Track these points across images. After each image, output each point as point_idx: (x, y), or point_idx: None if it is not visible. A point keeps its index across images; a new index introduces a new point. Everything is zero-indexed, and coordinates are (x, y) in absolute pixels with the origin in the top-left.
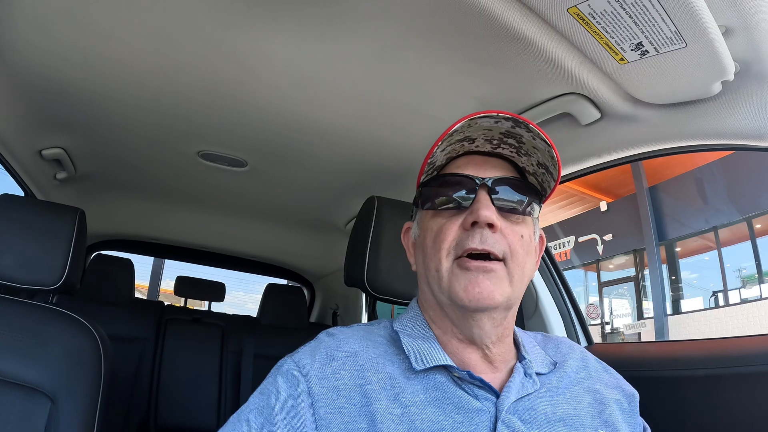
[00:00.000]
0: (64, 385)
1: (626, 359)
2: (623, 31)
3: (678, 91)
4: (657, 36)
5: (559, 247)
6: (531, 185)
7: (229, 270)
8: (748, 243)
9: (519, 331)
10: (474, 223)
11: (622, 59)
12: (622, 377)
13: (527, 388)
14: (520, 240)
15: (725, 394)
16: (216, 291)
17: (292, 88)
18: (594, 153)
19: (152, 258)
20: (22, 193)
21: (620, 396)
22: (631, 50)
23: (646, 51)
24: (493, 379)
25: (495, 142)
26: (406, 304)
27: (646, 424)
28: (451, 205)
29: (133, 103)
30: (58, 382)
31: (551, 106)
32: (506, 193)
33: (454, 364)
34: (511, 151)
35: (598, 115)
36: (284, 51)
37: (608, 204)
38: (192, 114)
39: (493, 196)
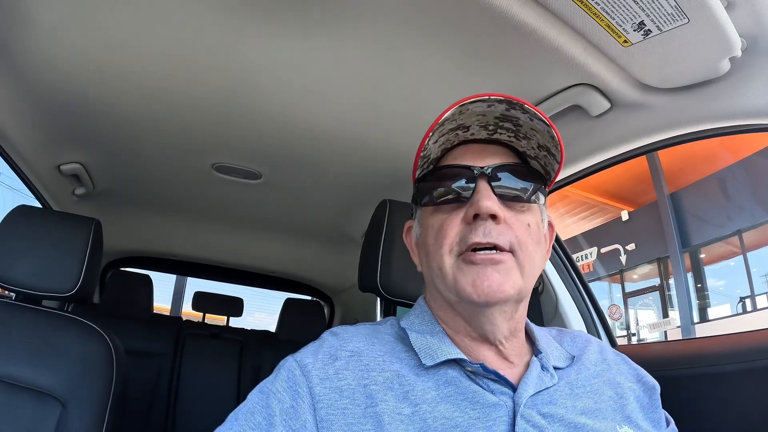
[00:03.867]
0: (75, 389)
1: (651, 359)
2: (623, 11)
3: (686, 72)
4: (658, 13)
5: (582, 259)
6: (534, 170)
7: (248, 287)
8: None
9: (533, 326)
10: (476, 216)
11: (625, 41)
12: (641, 368)
13: (545, 381)
14: (527, 229)
15: (759, 388)
16: (234, 306)
17: (301, 96)
18: (607, 145)
19: (174, 281)
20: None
21: (640, 390)
22: (634, 31)
23: (649, 30)
24: (510, 374)
25: (491, 127)
26: None
27: (669, 416)
28: (450, 197)
29: (147, 117)
30: (70, 387)
31: (560, 99)
32: (508, 181)
33: (465, 357)
34: (509, 136)
35: (608, 105)
36: (291, 58)
37: (629, 213)
38: (205, 126)
39: (494, 185)
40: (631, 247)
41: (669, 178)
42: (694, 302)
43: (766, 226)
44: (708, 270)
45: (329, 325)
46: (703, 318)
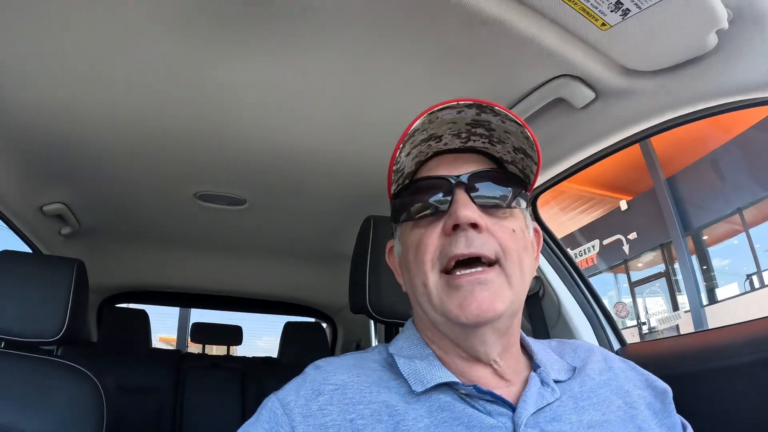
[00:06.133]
0: None
1: (663, 357)
2: None
3: (671, 50)
4: None
5: (586, 253)
6: (512, 174)
7: (247, 313)
8: None
9: (529, 339)
10: (456, 226)
11: (603, 24)
12: (650, 374)
13: (546, 397)
14: (511, 235)
15: None
16: (233, 335)
17: (276, 117)
18: (596, 137)
19: (178, 310)
20: (30, 252)
21: (651, 396)
22: (611, 12)
23: (628, 10)
24: (507, 393)
25: (463, 135)
26: None
27: (686, 421)
28: (428, 212)
29: (124, 150)
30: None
31: (542, 94)
32: (487, 188)
33: (458, 380)
34: (483, 142)
35: (593, 95)
36: (260, 78)
37: (628, 202)
38: (184, 155)
39: (472, 194)
40: (632, 236)
41: (664, 164)
42: (702, 284)
43: (766, 201)
44: (712, 251)
45: (332, 346)
46: (712, 300)
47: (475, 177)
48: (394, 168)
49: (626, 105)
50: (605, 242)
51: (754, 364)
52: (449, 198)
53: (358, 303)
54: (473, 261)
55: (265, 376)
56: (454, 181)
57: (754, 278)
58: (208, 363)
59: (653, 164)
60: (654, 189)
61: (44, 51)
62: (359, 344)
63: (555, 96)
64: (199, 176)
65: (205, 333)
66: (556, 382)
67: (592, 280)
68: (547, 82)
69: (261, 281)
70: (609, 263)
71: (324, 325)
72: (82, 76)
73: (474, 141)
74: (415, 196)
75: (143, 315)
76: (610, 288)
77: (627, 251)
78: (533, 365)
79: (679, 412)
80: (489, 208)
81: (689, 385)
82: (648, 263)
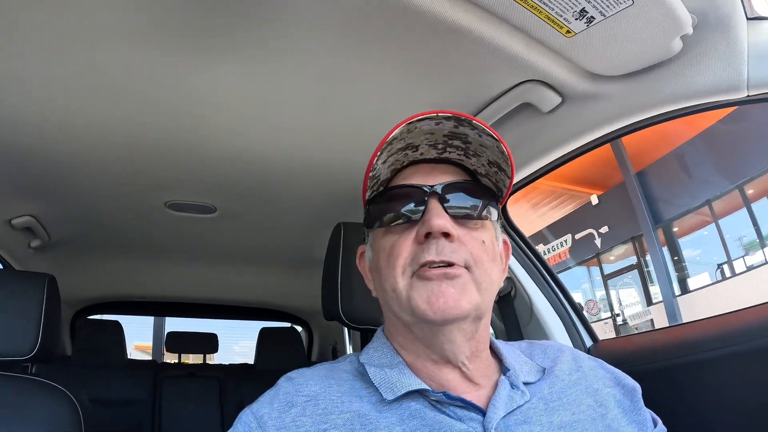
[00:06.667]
0: None
1: (635, 353)
2: (561, 0)
3: (636, 56)
4: None
5: (558, 247)
6: (485, 187)
7: (223, 320)
8: (744, 210)
9: (499, 342)
10: (428, 235)
11: (568, 32)
12: (619, 371)
13: (516, 400)
14: (481, 245)
15: (746, 371)
16: (209, 342)
17: (244, 124)
18: (563, 141)
19: (152, 321)
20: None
21: (620, 394)
22: (576, 19)
23: (592, 17)
24: (477, 396)
25: (440, 146)
26: None
27: (655, 415)
28: (401, 221)
29: (91, 160)
30: None
31: (509, 99)
32: (459, 199)
33: (428, 387)
34: (459, 154)
35: (559, 100)
36: (228, 86)
37: (599, 197)
38: (152, 165)
39: (445, 204)
40: (604, 229)
41: (633, 158)
42: (674, 275)
43: (734, 192)
44: (683, 242)
45: (308, 351)
46: (685, 290)
47: (449, 188)
48: (370, 174)
49: (593, 108)
50: (577, 236)
51: (726, 357)
52: (423, 207)
53: (331, 310)
54: (443, 266)
55: (243, 384)
56: (428, 191)
57: (725, 267)
58: (185, 372)
59: (623, 159)
60: (624, 183)
61: (7, 62)
62: (335, 348)
63: (522, 101)
64: (169, 186)
65: (179, 342)
66: (526, 384)
67: (565, 274)
68: (514, 87)
69: (235, 288)
70: (582, 257)
71: (300, 329)
72: (47, 86)
73: (450, 152)
74: (389, 203)
75: (117, 326)
76: (583, 281)
77: (599, 245)
78: (503, 368)
79: (652, 406)
80: (461, 218)
81: (662, 380)
82: (620, 256)
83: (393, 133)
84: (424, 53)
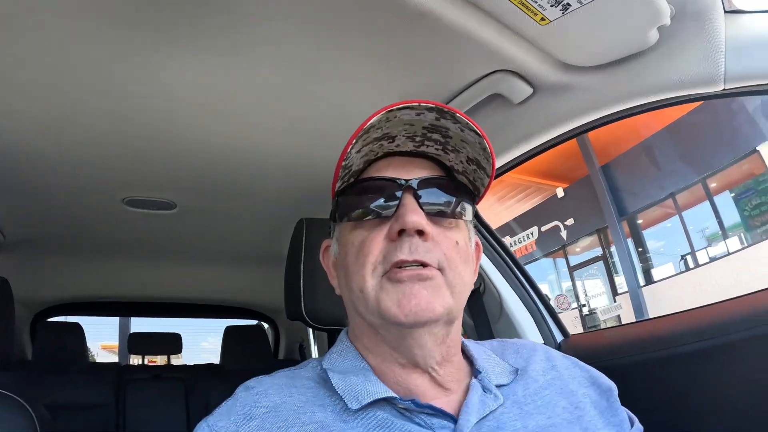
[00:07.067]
0: None
1: (606, 347)
2: None
3: (611, 46)
4: None
5: (525, 239)
6: (461, 184)
7: (188, 318)
8: (707, 203)
9: (469, 343)
10: (401, 232)
11: (543, 19)
12: (595, 370)
13: (489, 405)
14: (455, 247)
15: (715, 366)
16: (172, 343)
17: (206, 118)
18: (533, 133)
19: (117, 321)
20: None
21: (596, 395)
22: (551, 6)
23: (568, 4)
24: (447, 402)
25: (418, 139)
26: None
27: (632, 414)
28: (371, 216)
29: (44, 156)
30: None
31: (479, 89)
32: (435, 196)
33: (395, 395)
34: (437, 149)
35: (531, 91)
36: (191, 78)
37: (564, 189)
38: (108, 160)
39: (420, 200)
40: (570, 222)
41: (598, 151)
42: (638, 266)
43: (698, 186)
44: (647, 233)
45: (275, 349)
46: (649, 280)
47: (425, 183)
48: (342, 164)
49: (564, 100)
50: (543, 229)
51: (694, 353)
52: (396, 202)
53: (294, 310)
54: (415, 266)
55: (209, 385)
56: (403, 185)
57: (689, 258)
58: (149, 375)
59: (588, 152)
60: (589, 176)
61: None
62: (302, 345)
63: (492, 91)
64: (126, 181)
65: (143, 343)
66: (499, 386)
67: (532, 266)
68: (484, 77)
69: (199, 286)
70: (548, 249)
71: (266, 326)
72: None
73: (427, 146)
74: (361, 195)
75: (77, 328)
76: (550, 273)
77: (565, 237)
78: (474, 371)
79: (624, 401)
80: (435, 215)
81: (635, 374)
82: (586, 247)
83: (371, 121)
84: (393, 40)
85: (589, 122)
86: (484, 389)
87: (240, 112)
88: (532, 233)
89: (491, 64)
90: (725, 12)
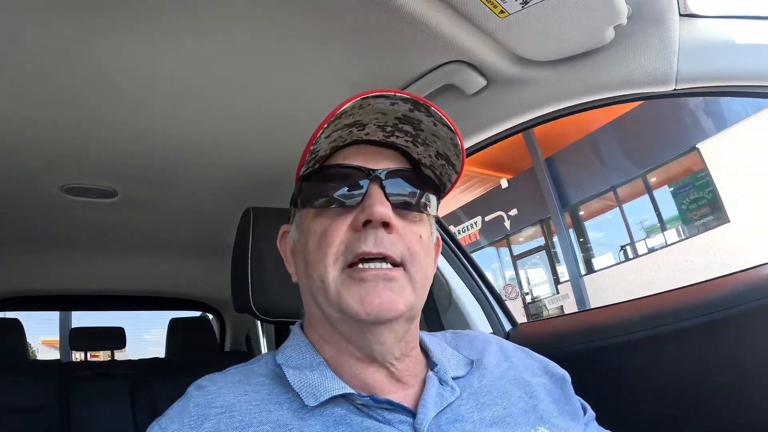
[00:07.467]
0: None
1: (556, 335)
2: None
3: (567, 42)
4: None
5: (468, 229)
6: (427, 178)
7: (130, 311)
8: (646, 197)
9: (425, 335)
10: (366, 223)
11: (502, 12)
12: (548, 360)
13: (446, 398)
14: (419, 241)
15: (666, 353)
16: (115, 337)
17: (148, 103)
18: (485, 125)
19: (58, 316)
20: None
21: (550, 384)
22: None
23: None
24: (405, 397)
25: (389, 129)
26: None
27: (585, 403)
28: (335, 205)
29: None
30: None
31: (433, 79)
32: (402, 188)
33: (352, 391)
34: (406, 140)
35: (484, 83)
36: (132, 61)
37: (508, 180)
38: (46, 145)
39: (387, 191)
40: (513, 212)
41: (543, 144)
42: (579, 256)
43: (638, 180)
44: (588, 224)
45: (221, 340)
46: (590, 269)
47: (393, 174)
48: (311, 148)
49: (518, 93)
50: (487, 219)
51: (645, 340)
52: (362, 192)
53: (242, 302)
54: (378, 259)
55: (156, 380)
56: (371, 175)
57: (628, 249)
58: (93, 372)
59: (532, 144)
60: (533, 168)
61: None
62: (249, 336)
63: (446, 81)
64: (65, 167)
65: (84, 338)
66: (454, 378)
67: (476, 254)
68: (438, 67)
69: (142, 277)
70: (491, 238)
71: (211, 317)
72: None
73: (397, 137)
74: (327, 182)
75: (17, 324)
76: (494, 261)
77: (508, 227)
78: (430, 364)
79: (574, 389)
80: (399, 206)
81: (583, 361)
82: (529, 237)
83: (344, 107)
84: (345, 24)
85: (540, 116)
86: (441, 382)
87: (184, 97)
88: (475, 223)
89: (447, 54)
90: (680, 15)
